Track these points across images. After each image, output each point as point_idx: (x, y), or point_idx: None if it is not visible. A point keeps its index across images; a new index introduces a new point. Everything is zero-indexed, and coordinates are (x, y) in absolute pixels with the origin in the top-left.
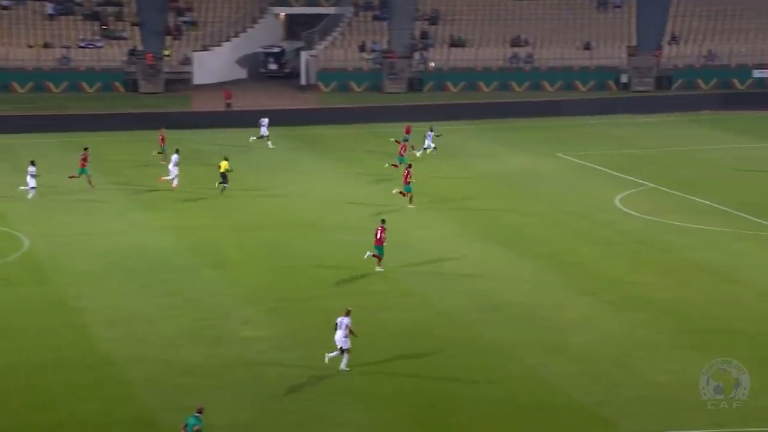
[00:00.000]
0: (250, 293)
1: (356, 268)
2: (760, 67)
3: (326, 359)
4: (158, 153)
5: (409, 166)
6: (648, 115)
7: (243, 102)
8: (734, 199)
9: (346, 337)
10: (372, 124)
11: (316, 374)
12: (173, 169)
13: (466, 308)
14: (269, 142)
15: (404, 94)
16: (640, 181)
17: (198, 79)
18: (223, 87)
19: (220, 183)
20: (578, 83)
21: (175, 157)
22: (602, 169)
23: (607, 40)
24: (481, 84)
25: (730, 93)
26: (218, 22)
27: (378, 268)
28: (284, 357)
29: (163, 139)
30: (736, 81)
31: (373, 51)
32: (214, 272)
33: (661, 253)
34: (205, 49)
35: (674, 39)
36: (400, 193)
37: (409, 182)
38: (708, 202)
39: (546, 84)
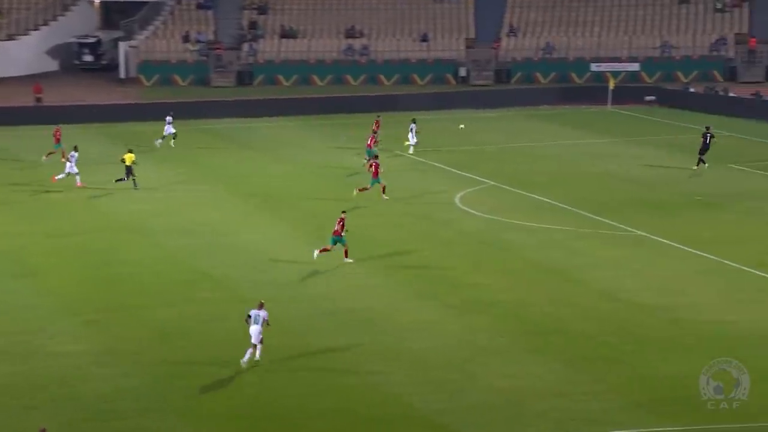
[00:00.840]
0: (66, 304)
1: (184, 274)
2: (598, 60)
3: (243, 363)
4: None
5: (376, 157)
6: (488, 110)
7: (55, 96)
8: (573, 197)
9: (260, 330)
10: (198, 120)
11: (136, 391)
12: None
13: (297, 315)
14: (172, 142)
15: (232, 88)
16: (480, 179)
17: (2, 71)
18: (33, 80)
19: (123, 179)
20: (416, 77)
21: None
22: (441, 166)
23: (445, 32)
24: (315, 77)
25: (568, 87)
26: (25, 9)
27: (347, 259)
28: (102, 372)
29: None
30: (574, 75)
31: (198, 42)
32: (22, 282)
33: (502, 254)
34: (10, 38)
35: (512, 31)
36: (362, 189)
37: (377, 175)
38: (548, 200)
39: (383, 77)
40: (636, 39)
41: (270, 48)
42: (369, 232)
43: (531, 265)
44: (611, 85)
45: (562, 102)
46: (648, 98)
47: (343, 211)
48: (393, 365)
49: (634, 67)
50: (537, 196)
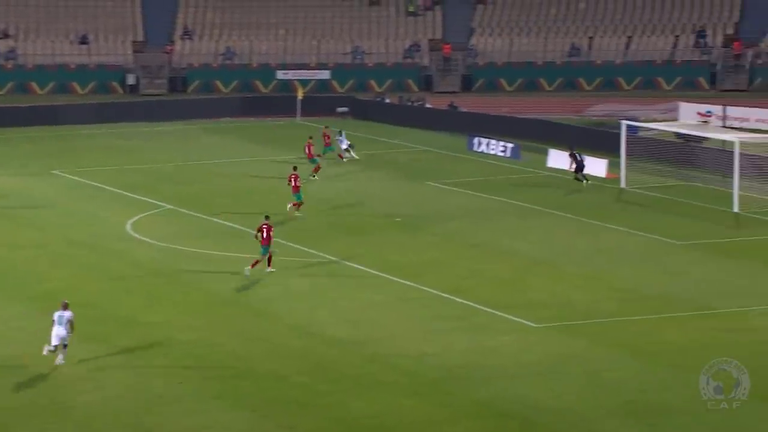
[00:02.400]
0: None
1: None
2: (284, 67)
3: (45, 351)
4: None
5: (294, 168)
6: (161, 123)
7: None
8: (257, 220)
9: (67, 332)
10: None
11: None
12: None
13: None
14: (352, 153)
15: None
16: (155, 202)
17: None
18: None
19: None
20: (76, 85)
21: None
22: (109, 188)
23: (108, 33)
24: None
25: (252, 97)
26: None
27: (270, 269)
28: None
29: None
30: (258, 83)
31: None
32: None
33: (180, 287)
34: None
35: (187, 33)
36: (294, 204)
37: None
38: (232, 224)
39: (35, 85)
40: (325, 44)
41: None
42: (28, 267)
43: (215, 298)
44: (300, 94)
45: (245, 114)
46: (340, 109)
47: (267, 216)
48: (54, 426)
49: (325, 74)
50: (220, 221)
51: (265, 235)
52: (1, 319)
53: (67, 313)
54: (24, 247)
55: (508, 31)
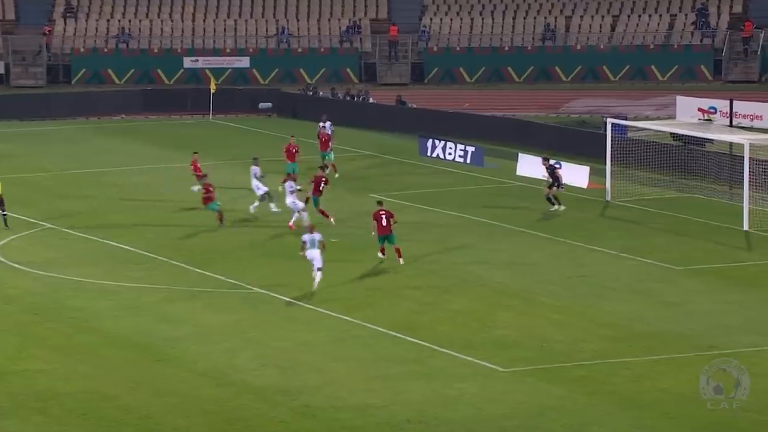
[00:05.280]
0: None
1: None
2: (193, 53)
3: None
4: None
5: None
6: (39, 122)
7: None
8: (164, 241)
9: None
10: None
11: None
12: None
13: None
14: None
15: None
16: (32, 220)
17: None
18: None
19: None
20: None
21: None
22: None
23: None
24: None
25: (154, 90)
26: None
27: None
28: None
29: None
30: (161, 73)
31: None
32: None
33: (65, 326)
34: None
35: (71, 10)
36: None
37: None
38: (128, 247)
39: None
40: (243, 24)
41: None
42: None
43: (108, 339)
44: (212, 87)
45: (145, 110)
46: (262, 105)
47: (379, 202)
48: None
49: (243, 62)
50: (113, 242)
51: (384, 222)
52: None
53: (317, 235)
54: None
55: (468, 9)
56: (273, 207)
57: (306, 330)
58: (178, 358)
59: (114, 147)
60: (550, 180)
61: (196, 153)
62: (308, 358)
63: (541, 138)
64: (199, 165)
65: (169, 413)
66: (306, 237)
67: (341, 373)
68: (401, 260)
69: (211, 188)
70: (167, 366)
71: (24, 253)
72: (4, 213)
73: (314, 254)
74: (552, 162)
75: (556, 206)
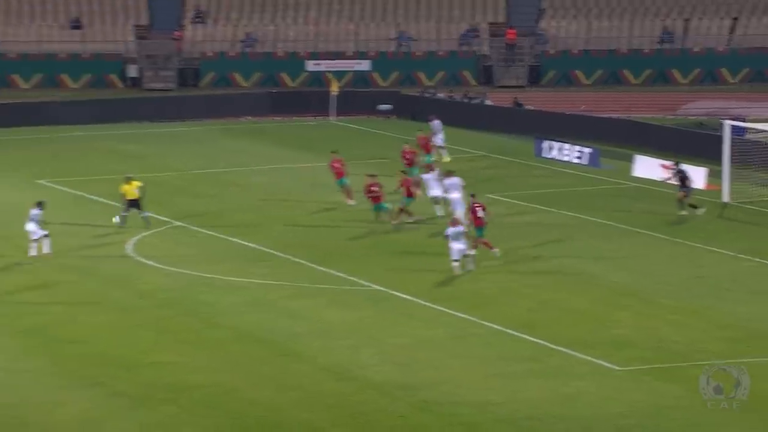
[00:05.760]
0: None
1: None
2: (316, 57)
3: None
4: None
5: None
6: (169, 124)
7: None
8: (288, 240)
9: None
10: None
11: None
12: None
13: None
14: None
15: None
16: (162, 218)
17: None
18: None
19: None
20: (66, 77)
21: None
22: (105, 201)
23: (106, 15)
24: None
25: (278, 92)
26: None
27: (495, 250)
28: None
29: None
30: (285, 76)
31: None
32: None
33: (194, 320)
34: None
35: (200, 16)
36: (402, 210)
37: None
38: (254, 245)
39: (17, 78)
40: (365, 28)
41: None
42: (8, 298)
43: (235, 334)
44: (334, 89)
45: (270, 112)
46: (382, 107)
47: (472, 195)
48: None
49: (364, 65)
50: (239, 240)
51: (479, 214)
52: None
53: (460, 228)
54: (12, 272)
55: (586, 12)
56: (438, 210)
57: (424, 327)
58: (301, 353)
59: (238, 147)
60: (680, 184)
61: (334, 152)
62: (427, 355)
63: (658, 139)
64: (339, 165)
65: (293, 407)
66: (450, 230)
67: (460, 370)
68: (496, 250)
69: (376, 187)
70: (291, 361)
71: (156, 249)
72: (145, 214)
73: (458, 246)
74: (681, 167)
75: (696, 209)
